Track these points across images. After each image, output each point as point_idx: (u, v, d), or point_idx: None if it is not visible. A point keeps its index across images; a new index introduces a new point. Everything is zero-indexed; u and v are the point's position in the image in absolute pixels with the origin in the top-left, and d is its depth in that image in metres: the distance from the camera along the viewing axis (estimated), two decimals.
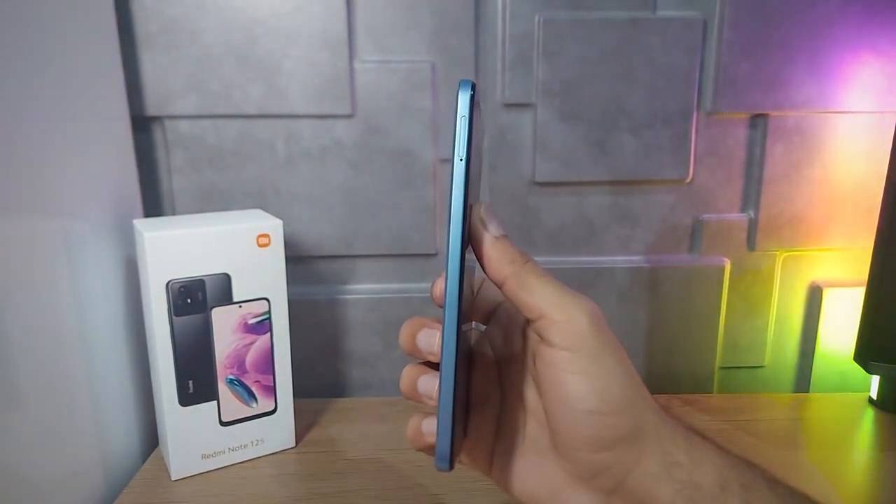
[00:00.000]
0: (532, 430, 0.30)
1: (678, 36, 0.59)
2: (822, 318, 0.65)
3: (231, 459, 0.51)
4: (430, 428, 0.28)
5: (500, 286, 0.27)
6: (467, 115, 0.25)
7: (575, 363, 0.26)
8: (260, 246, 0.49)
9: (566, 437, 0.27)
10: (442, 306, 0.26)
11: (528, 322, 0.28)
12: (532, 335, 0.28)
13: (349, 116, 0.60)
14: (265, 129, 0.60)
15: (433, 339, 0.28)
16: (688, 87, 0.60)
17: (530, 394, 0.30)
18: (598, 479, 0.26)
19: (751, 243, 0.64)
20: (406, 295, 0.64)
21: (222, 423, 0.50)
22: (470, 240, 0.27)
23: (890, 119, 0.61)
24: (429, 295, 0.29)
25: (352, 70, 0.59)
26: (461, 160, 0.25)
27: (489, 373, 0.32)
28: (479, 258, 0.27)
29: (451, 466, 0.26)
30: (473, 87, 0.25)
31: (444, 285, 0.25)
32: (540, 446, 0.29)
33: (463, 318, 0.26)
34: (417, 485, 0.49)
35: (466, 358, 0.29)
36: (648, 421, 0.26)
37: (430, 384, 0.28)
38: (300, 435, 0.55)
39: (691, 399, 0.62)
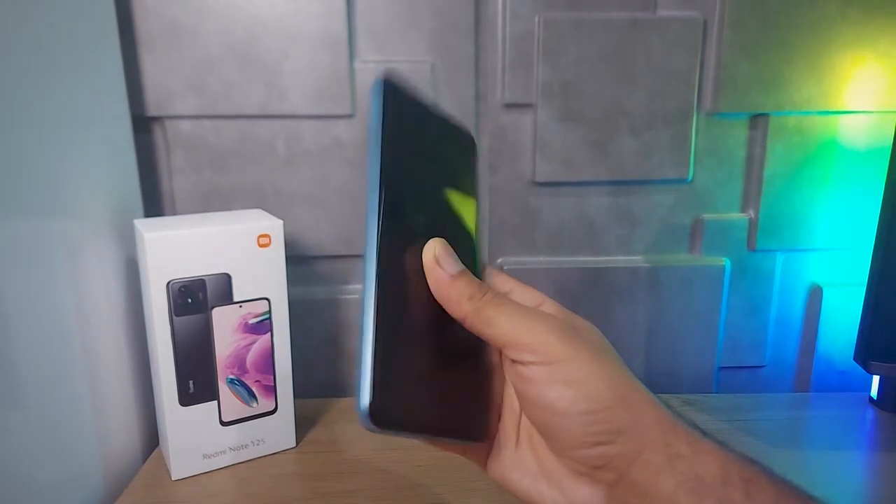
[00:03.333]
0: (528, 430, 0.30)
1: (678, 36, 0.59)
2: (822, 318, 0.65)
3: (231, 459, 0.51)
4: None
5: (462, 323, 0.27)
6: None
7: (556, 374, 0.26)
8: (260, 246, 0.49)
9: (562, 439, 0.27)
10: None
11: None
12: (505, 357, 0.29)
13: (349, 116, 0.60)
14: (266, 130, 0.60)
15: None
16: (688, 88, 0.60)
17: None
18: (599, 472, 0.26)
19: (751, 243, 0.64)
20: None
21: (223, 423, 0.51)
22: (427, 278, 0.27)
23: (890, 119, 0.61)
24: None
25: (352, 70, 0.59)
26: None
27: (498, 372, 0.32)
28: (440, 299, 0.27)
29: (382, 426, 0.25)
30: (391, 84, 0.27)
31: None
32: (536, 444, 0.29)
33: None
34: (417, 485, 0.49)
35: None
36: (647, 413, 0.26)
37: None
38: (300, 435, 0.55)
39: (691, 399, 0.62)
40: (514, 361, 0.27)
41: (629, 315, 0.66)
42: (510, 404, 0.31)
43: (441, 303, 0.28)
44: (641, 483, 0.26)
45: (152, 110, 0.58)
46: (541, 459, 0.29)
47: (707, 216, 0.64)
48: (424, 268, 0.27)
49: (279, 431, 0.53)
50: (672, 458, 0.25)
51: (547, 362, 0.26)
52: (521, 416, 0.30)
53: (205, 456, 0.50)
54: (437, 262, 0.27)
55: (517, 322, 0.27)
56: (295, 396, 0.54)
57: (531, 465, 0.29)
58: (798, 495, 0.25)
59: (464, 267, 0.28)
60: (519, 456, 0.30)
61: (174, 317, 0.47)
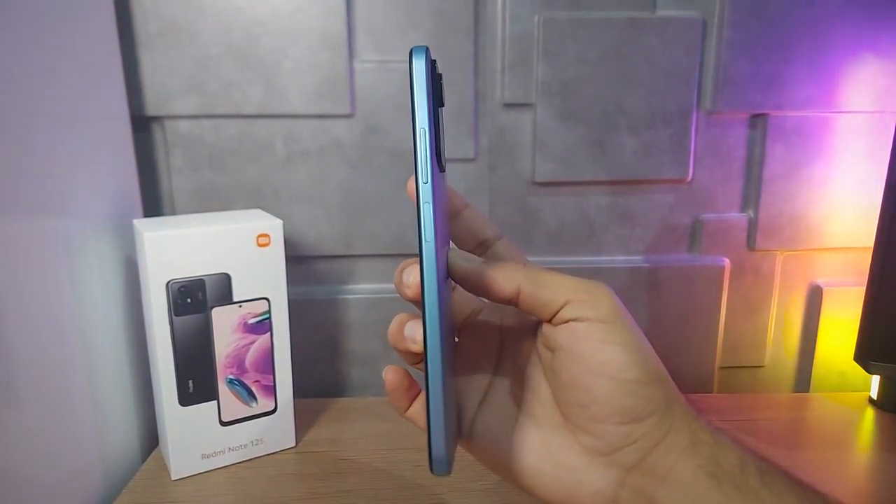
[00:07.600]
0: (531, 406, 0.29)
1: (678, 36, 0.59)
2: (822, 318, 0.65)
3: (231, 459, 0.51)
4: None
5: (515, 297, 0.27)
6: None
7: (613, 334, 0.26)
8: (260, 246, 0.49)
9: (598, 409, 0.26)
10: (419, 301, 0.25)
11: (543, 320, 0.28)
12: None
13: (349, 116, 0.60)
14: (265, 129, 0.60)
15: (419, 330, 0.27)
16: (687, 87, 0.60)
17: (533, 371, 0.29)
18: (621, 452, 0.26)
19: (751, 243, 0.64)
20: None
21: (222, 423, 0.51)
22: (460, 281, 0.27)
23: (890, 119, 0.61)
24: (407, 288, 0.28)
25: (351, 70, 0.59)
26: (427, 241, 0.23)
27: (490, 341, 0.31)
28: (484, 288, 0.27)
29: (450, 469, 0.25)
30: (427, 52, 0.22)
31: (423, 324, 0.24)
32: (542, 423, 0.29)
33: (444, 322, 0.25)
34: (417, 485, 0.49)
35: (450, 329, 0.28)
36: (678, 397, 0.27)
37: (415, 329, 0.27)
38: (300, 435, 0.55)
39: (691, 399, 0.61)
40: (568, 321, 0.26)
41: None
42: (507, 385, 0.30)
43: (489, 290, 0.27)
44: (660, 467, 0.26)
45: (151, 110, 0.58)
46: (548, 440, 0.28)
47: (706, 216, 0.64)
48: (463, 278, 0.27)
49: (278, 431, 0.53)
50: (695, 444, 0.26)
51: (604, 320, 0.26)
52: (523, 398, 0.29)
53: (204, 456, 0.50)
54: (468, 261, 0.27)
55: (572, 283, 0.26)
56: (294, 396, 0.54)
57: (533, 445, 0.28)
58: (808, 487, 0.26)
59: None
60: (518, 435, 0.29)
61: (174, 317, 0.47)
